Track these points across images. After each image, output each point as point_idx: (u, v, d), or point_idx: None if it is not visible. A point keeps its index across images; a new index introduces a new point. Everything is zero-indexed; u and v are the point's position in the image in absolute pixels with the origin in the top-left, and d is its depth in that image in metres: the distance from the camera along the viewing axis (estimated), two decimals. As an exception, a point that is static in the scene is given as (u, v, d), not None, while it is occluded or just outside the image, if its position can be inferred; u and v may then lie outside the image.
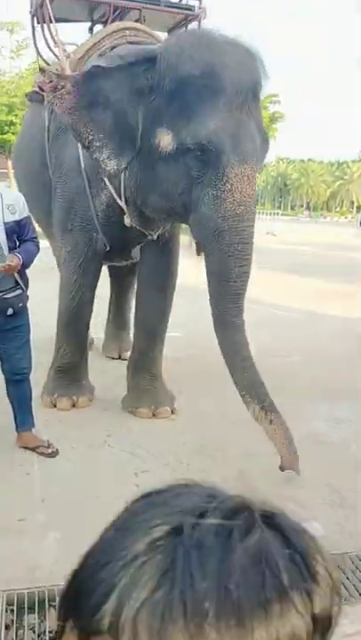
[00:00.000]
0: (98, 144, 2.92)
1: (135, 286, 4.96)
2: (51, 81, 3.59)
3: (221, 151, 2.67)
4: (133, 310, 3.97)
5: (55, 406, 3.81)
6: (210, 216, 2.79)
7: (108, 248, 3.59)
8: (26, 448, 3.22)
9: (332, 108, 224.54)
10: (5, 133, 16.47)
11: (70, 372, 3.91)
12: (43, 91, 3.74)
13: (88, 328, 4.01)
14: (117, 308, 5.18)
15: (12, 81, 17.46)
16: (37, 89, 3.88)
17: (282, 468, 2.95)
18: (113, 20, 3.91)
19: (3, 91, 16.91)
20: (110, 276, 5.08)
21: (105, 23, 4.04)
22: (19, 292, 2.98)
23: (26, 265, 2.95)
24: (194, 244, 3.01)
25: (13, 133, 16.61)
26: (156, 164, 2.88)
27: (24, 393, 3.22)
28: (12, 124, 16.68)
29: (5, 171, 17.73)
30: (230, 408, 4.00)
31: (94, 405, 3.95)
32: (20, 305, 2.99)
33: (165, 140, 2.77)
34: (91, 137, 2.92)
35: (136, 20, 3.95)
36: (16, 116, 16.64)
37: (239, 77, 2.70)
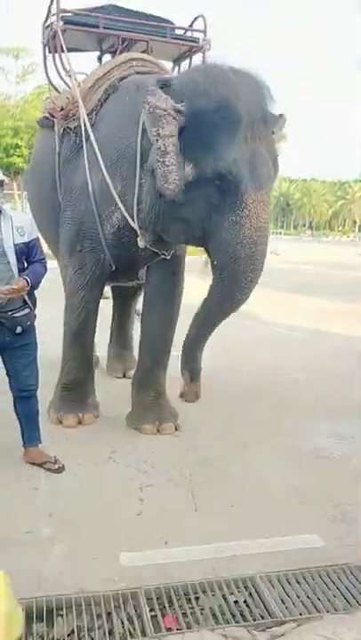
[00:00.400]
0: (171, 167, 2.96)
1: (136, 306, 5.10)
2: (62, 108, 3.74)
3: (240, 180, 2.85)
4: (139, 329, 4.03)
5: (61, 423, 3.88)
6: (229, 241, 2.96)
7: (113, 268, 3.69)
8: (33, 463, 3.29)
9: (334, 125, 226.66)
10: (11, 156, 16.72)
11: (76, 390, 3.98)
12: (53, 117, 3.88)
13: (93, 346, 4.08)
14: (120, 327, 5.25)
15: (17, 105, 17.77)
16: (48, 115, 4.02)
17: (182, 395, 3.55)
18: (121, 51, 4.06)
19: (8, 114, 17.20)
20: (113, 297, 5.19)
21: (114, 53, 4.20)
22: (27, 311, 3.07)
23: (34, 286, 3.05)
24: (209, 264, 3.17)
25: (19, 156, 16.90)
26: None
27: (31, 409, 3.30)
28: (17, 146, 16.96)
29: (11, 192, 18.01)
30: (232, 425, 4.08)
31: (99, 422, 4.02)
32: (28, 323, 3.09)
33: (187, 171, 2.90)
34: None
35: (143, 51, 4.11)
36: (21, 139, 16.94)
37: (251, 108, 2.87)
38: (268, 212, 3.02)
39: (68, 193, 3.78)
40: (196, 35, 4.28)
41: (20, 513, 2.82)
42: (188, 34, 4.34)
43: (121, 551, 2.54)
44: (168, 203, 3.04)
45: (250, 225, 2.92)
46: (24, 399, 3.25)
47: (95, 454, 3.52)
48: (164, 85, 3.02)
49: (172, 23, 4.26)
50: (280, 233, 48.89)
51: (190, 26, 4.30)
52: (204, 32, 4.20)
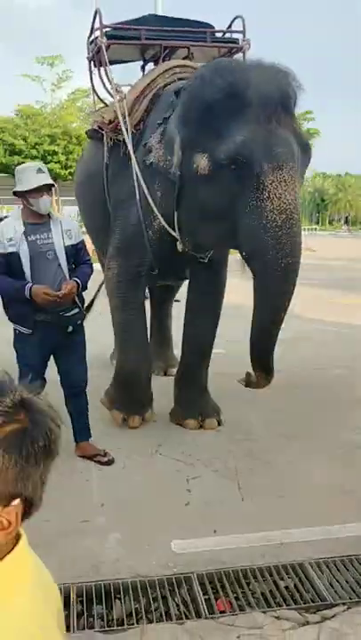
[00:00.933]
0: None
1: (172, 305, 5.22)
2: (110, 122, 3.84)
3: (253, 160, 2.71)
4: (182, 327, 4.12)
5: (127, 423, 3.93)
6: (253, 227, 2.78)
7: (156, 272, 3.75)
8: (84, 457, 3.43)
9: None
10: (48, 162, 17.08)
11: (136, 389, 3.99)
12: (102, 130, 4.00)
13: (147, 343, 4.08)
14: (159, 327, 5.34)
15: (53, 112, 18.16)
16: (97, 128, 4.14)
17: (246, 383, 3.25)
18: (163, 59, 4.16)
19: (45, 122, 17.59)
20: (151, 296, 5.26)
21: (156, 61, 4.31)
22: (76, 310, 3.21)
23: (83, 286, 3.19)
24: (245, 269, 3.04)
25: (56, 162, 17.24)
26: (198, 189, 3.00)
27: (82, 405, 3.44)
28: (54, 153, 17.32)
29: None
30: (275, 419, 4.14)
31: (144, 418, 4.14)
32: (78, 322, 3.24)
33: (202, 163, 2.88)
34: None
35: (184, 57, 4.20)
36: (58, 145, 17.29)
37: (265, 91, 2.75)
38: (294, 192, 2.77)
39: (117, 204, 3.85)
40: (235, 36, 4.34)
41: (74, 503, 2.96)
42: (228, 36, 4.40)
43: (172, 539, 2.65)
44: (192, 201, 3.06)
45: (271, 207, 2.72)
46: (75, 396, 3.39)
47: (142, 448, 3.64)
48: (177, 93, 3.11)
49: (211, 27, 4.32)
50: (315, 229, 48.31)
51: (229, 27, 4.36)
52: (243, 33, 4.25)
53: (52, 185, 3.16)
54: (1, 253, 3.07)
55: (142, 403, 4.02)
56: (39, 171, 3.11)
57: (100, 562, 2.49)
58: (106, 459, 3.40)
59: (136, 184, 3.49)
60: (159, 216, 3.42)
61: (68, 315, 3.16)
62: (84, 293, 3.33)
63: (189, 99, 2.97)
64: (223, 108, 2.81)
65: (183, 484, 3.19)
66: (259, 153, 2.71)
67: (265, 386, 3.23)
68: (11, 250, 3.05)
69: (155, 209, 3.41)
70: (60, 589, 2.26)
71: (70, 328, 3.20)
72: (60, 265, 3.12)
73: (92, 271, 3.31)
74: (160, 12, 9.47)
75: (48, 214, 3.19)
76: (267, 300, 2.96)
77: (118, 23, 4.20)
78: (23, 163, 13.15)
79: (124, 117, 3.60)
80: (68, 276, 3.14)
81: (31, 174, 3.09)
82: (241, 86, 2.76)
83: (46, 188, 3.10)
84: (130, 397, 4.00)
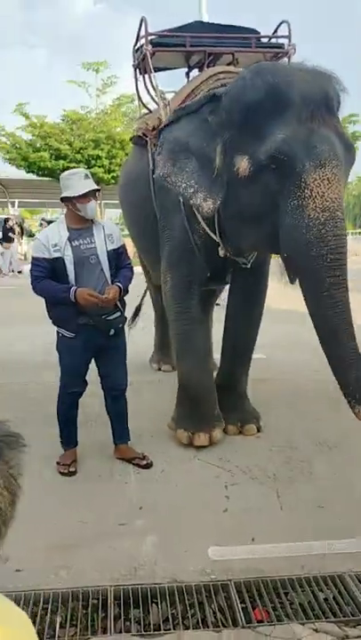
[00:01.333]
0: (191, 190, 3.11)
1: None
2: (154, 128, 3.87)
3: (294, 158, 2.66)
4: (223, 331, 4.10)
5: (192, 442, 3.70)
6: (295, 226, 2.69)
7: (208, 274, 3.70)
8: (123, 459, 3.46)
9: None
10: (92, 167, 17.29)
11: (200, 402, 3.79)
12: (146, 137, 4.03)
13: (208, 352, 3.92)
14: None
15: (97, 117, 18.40)
16: (141, 135, 4.17)
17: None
18: (208, 66, 4.16)
19: (90, 127, 17.84)
20: None
21: (200, 68, 4.32)
22: (118, 314, 3.25)
23: (124, 290, 3.23)
24: (285, 274, 2.96)
25: (100, 166, 17.46)
26: (239, 192, 2.97)
27: (121, 408, 3.47)
28: (98, 157, 17.53)
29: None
30: (316, 426, 4.08)
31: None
32: (120, 326, 3.27)
33: (243, 165, 2.85)
34: (184, 185, 3.13)
35: (229, 63, 4.19)
36: (102, 150, 17.50)
37: (306, 91, 2.71)
38: (338, 191, 2.67)
39: (164, 211, 3.82)
40: (281, 41, 4.32)
41: (113, 506, 2.99)
42: (274, 41, 4.38)
43: (210, 545, 2.63)
44: (234, 205, 3.03)
45: (314, 206, 2.64)
46: (115, 398, 3.42)
47: (180, 453, 3.64)
48: (214, 97, 3.09)
49: (257, 33, 4.32)
50: (360, 233, 47.48)
51: (274, 32, 4.34)
52: (289, 37, 4.23)
53: (98, 190, 3.21)
54: (46, 258, 3.13)
55: (208, 419, 3.77)
56: (86, 177, 3.18)
57: (137, 565, 2.50)
58: (144, 462, 3.41)
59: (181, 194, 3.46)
60: (201, 221, 3.42)
61: (110, 318, 3.20)
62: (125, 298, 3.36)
63: (230, 101, 2.96)
64: (264, 110, 2.78)
65: (222, 491, 3.17)
66: (300, 151, 2.65)
67: None
68: (56, 255, 3.11)
69: (198, 214, 3.41)
70: (99, 591, 2.31)
71: (112, 331, 3.24)
72: (102, 269, 3.17)
73: (132, 274, 3.35)
74: (205, 19, 9.52)
75: (91, 219, 3.24)
76: (320, 298, 2.70)
77: (163, 30, 4.23)
78: (68, 167, 13.38)
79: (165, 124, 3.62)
80: (110, 280, 3.18)
81: (78, 180, 3.15)
82: (282, 87, 2.73)
83: (92, 194, 3.14)
84: (194, 413, 3.77)
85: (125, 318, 3.33)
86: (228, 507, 3.01)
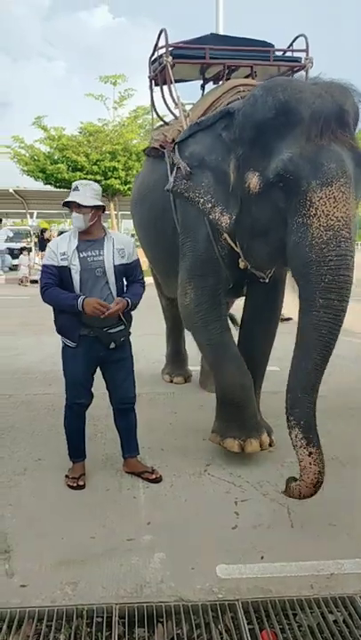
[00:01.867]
0: (209, 205, 3.12)
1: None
2: (173, 140, 3.86)
3: (300, 176, 2.63)
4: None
5: (243, 450, 3.65)
6: (298, 244, 2.69)
7: (231, 285, 3.67)
8: (132, 473, 3.42)
9: None
10: (109, 178, 17.38)
11: (245, 405, 3.70)
12: (163, 148, 4.03)
13: (241, 360, 3.76)
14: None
15: (114, 130, 18.55)
16: (158, 147, 4.13)
17: (288, 493, 2.83)
18: (227, 78, 4.17)
19: (107, 139, 17.98)
20: None
21: (216, 81, 4.33)
22: (121, 327, 3.21)
23: (132, 305, 3.19)
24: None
25: (116, 178, 17.57)
26: (251, 207, 2.98)
27: (130, 421, 3.44)
28: (114, 169, 17.63)
29: (108, 212, 18.74)
30: (330, 442, 3.99)
31: (193, 436, 4.10)
32: (122, 339, 3.23)
33: (253, 181, 2.86)
34: (202, 200, 3.12)
35: (247, 76, 4.20)
36: (118, 161, 17.61)
37: (317, 107, 2.68)
38: (345, 209, 2.62)
39: (185, 222, 3.77)
40: (297, 54, 4.32)
41: (121, 520, 2.95)
42: (290, 54, 4.38)
43: (218, 563, 2.59)
44: (245, 220, 3.02)
45: (318, 224, 2.60)
46: (123, 412, 3.40)
47: (190, 467, 3.59)
48: (228, 113, 3.08)
49: (272, 46, 4.33)
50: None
51: (290, 46, 4.34)
52: (306, 51, 4.23)
53: (99, 207, 3.19)
54: (54, 265, 3.16)
55: (255, 423, 3.69)
56: (75, 188, 3.18)
57: (144, 582, 2.45)
58: (153, 476, 3.38)
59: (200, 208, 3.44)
60: (225, 234, 3.40)
61: (112, 331, 3.18)
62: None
63: (243, 118, 2.96)
64: (274, 127, 2.78)
65: (231, 507, 3.12)
66: (306, 169, 2.62)
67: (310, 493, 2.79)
68: (63, 264, 3.13)
69: (218, 225, 3.39)
70: (104, 609, 2.27)
71: (113, 345, 3.20)
72: (107, 282, 3.16)
73: (143, 290, 3.33)
74: (221, 32, 9.57)
75: (104, 231, 3.23)
76: (311, 317, 2.65)
77: (179, 42, 4.25)
78: (84, 179, 13.44)
79: None
80: (115, 294, 3.16)
81: (84, 191, 3.17)
82: (292, 104, 2.72)
83: (76, 205, 3.13)
84: (241, 419, 3.67)
85: (129, 332, 3.30)
86: (237, 523, 2.96)
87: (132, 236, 15.09)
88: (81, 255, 3.14)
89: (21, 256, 16.98)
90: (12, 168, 19.54)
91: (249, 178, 2.90)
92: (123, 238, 3.37)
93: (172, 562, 2.60)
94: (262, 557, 2.65)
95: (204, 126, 3.18)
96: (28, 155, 18.68)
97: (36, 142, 18.49)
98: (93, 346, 3.19)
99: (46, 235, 18.70)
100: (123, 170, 17.78)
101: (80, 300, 3.06)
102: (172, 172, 3.73)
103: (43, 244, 17.73)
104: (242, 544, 2.76)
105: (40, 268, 3.51)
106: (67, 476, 3.37)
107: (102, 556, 2.64)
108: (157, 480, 3.37)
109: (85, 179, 16.94)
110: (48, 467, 3.57)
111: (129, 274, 3.26)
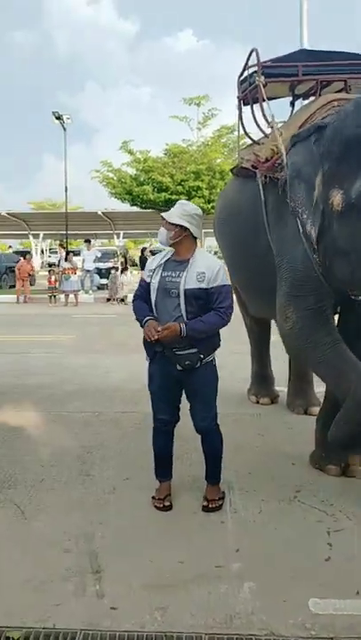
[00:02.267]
0: (304, 217, 3.07)
1: None
2: (267, 160, 3.85)
3: None
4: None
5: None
6: None
7: (333, 301, 3.56)
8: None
9: None
10: (193, 198, 17.64)
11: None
12: (255, 169, 4.01)
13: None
14: (298, 361, 5.15)
15: (198, 150, 18.85)
16: (249, 167, 4.14)
17: None
18: (319, 94, 4.12)
19: (191, 159, 18.30)
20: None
21: (307, 97, 4.28)
22: (192, 351, 3.11)
23: (197, 332, 3.07)
24: None
25: (200, 197, 17.79)
26: (332, 225, 2.94)
27: (210, 447, 3.33)
28: (198, 189, 17.91)
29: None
30: None
31: (282, 460, 3.99)
32: (187, 363, 3.11)
33: (337, 200, 2.83)
34: (300, 210, 3.08)
35: (340, 90, 4.13)
36: (202, 181, 17.86)
37: None
38: None
39: (281, 243, 3.70)
40: None
41: (209, 545, 2.90)
42: None
43: (310, 596, 2.47)
44: (327, 237, 2.98)
45: None
46: (203, 436, 3.32)
47: (279, 492, 3.49)
48: (320, 127, 3.01)
49: None
50: None
51: None
52: None
53: (181, 227, 3.15)
54: (144, 280, 3.31)
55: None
56: (184, 211, 3.17)
57: (233, 613, 2.38)
58: (210, 505, 3.29)
59: (298, 219, 3.32)
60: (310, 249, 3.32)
61: (179, 353, 3.11)
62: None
63: (332, 133, 2.90)
64: (356, 143, 2.71)
65: (324, 537, 2.99)
66: None
67: None
68: (148, 280, 3.25)
69: (305, 243, 3.31)
70: (192, 638, 2.23)
71: (179, 367, 3.14)
72: (179, 304, 3.10)
73: (220, 320, 3.13)
74: (306, 46, 9.47)
75: (192, 253, 3.19)
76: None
77: (267, 61, 4.23)
78: (169, 199, 13.74)
79: (283, 154, 3.57)
80: (186, 317, 3.08)
81: (176, 209, 3.21)
82: None
83: (165, 221, 3.18)
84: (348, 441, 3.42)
85: (200, 358, 3.15)
86: (330, 555, 2.83)
87: (215, 253, 15.17)
88: (163, 274, 3.18)
89: (110, 275, 17.37)
90: (101, 191, 20.38)
91: (333, 195, 2.86)
92: (207, 262, 3.20)
93: (263, 592, 2.51)
94: (358, 593, 2.51)
95: (301, 138, 3.18)
96: (115, 178, 19.36)
97: (123, 165, 19.16)
98: (164, 364, 3.20)
99: (146, 253, 19.51)
100: (206, 189, 18.01)
101: (145, 319, 3.16)
102: (266, 192, 3.70)
103: (143, 262, 18.39)
104: (336, 578, 2.63)
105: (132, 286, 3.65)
106: (153, 497, 3.36)
107: (191, 582, 2.60)
108: (215, 509, 3.27)
109: (170, 199, 17.37)
110: (136, 486, 3.59)
111: (209, 300, 3.12)
